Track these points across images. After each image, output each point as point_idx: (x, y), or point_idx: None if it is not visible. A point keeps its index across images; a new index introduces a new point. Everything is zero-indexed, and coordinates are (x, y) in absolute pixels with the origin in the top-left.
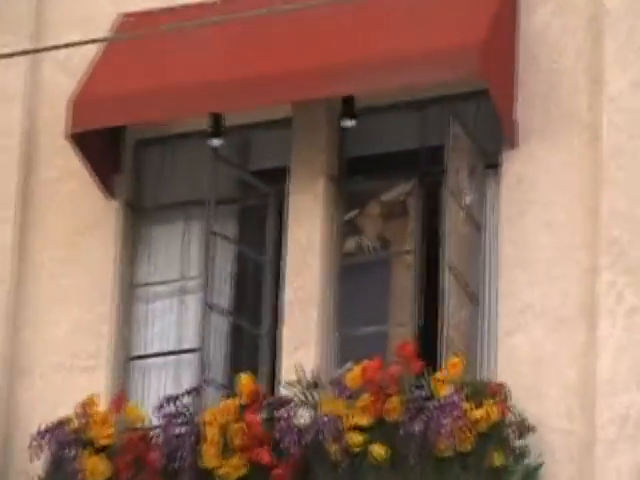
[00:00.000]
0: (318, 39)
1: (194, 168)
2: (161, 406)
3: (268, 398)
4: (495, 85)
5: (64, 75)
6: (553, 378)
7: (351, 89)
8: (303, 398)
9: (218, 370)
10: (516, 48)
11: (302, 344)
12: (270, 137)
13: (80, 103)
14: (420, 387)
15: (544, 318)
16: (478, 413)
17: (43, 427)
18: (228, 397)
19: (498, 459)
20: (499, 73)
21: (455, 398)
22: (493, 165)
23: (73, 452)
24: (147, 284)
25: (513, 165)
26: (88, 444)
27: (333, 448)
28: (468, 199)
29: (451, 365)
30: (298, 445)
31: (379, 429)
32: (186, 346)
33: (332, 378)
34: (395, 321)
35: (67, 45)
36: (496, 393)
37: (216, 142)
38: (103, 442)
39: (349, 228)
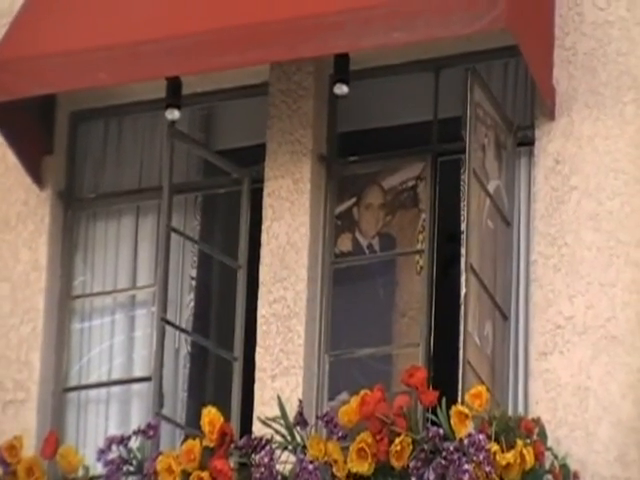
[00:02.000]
0: None
1: (145, 148)
2: (104, 450)
3: (241, 439)
4: (527, 40)
5: None
6: (602, 412)
7: (345, 45)
8: (285, 439)
9: (177, 403)
10: None
11: (283, 370)
12: (242, 108)
13: None
14: (435, 424)
15: (590, 336)
16: (509, 457)
17: None
18: (190, 438)
19: None
20: (532, 25)
21: (479, 437)
22: (526, 142)
23: None
24: (86, 295)
25: (551, 142)
26: None
27: None
28: (494, 185)
29: (474, 395)
30: None
31: (383, 478)
32: (136, 374)
33: (322, 413)
34: (402, 340)
35: None
36: (531, 431)
37: (173, 114)
38: None
39: (343, 222)
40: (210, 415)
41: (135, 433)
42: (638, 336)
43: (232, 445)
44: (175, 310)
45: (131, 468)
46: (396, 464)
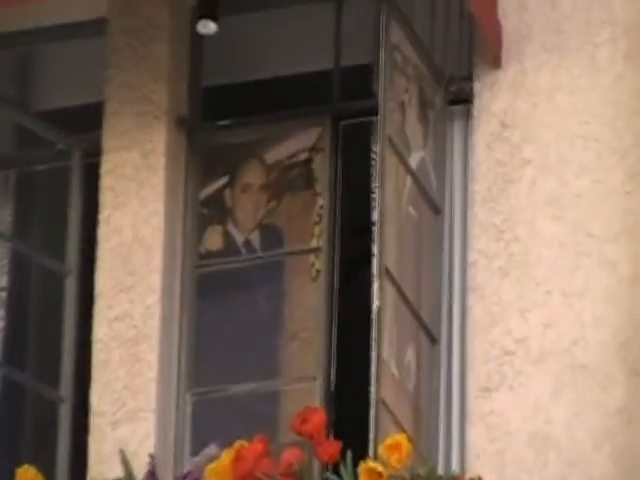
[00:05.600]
0: None
1: None
2: None
3: None
4: None
5: None
6: (567, 468)
7: None
8: None
9: None
10: None
11: (129, 414)
12: (70, 54)
13: None
14: None
15: (549, 364)
16: None
17: None
18: None
19: None
20: None
21: None
22: (461, 99)
23: None
24: None
25: (495, 98)
26: None
27: None
28: (418, 158)
29: (390, 447)
30: None
31: None
32: None
33: (182, 473)
34: (292, 372)
35: None
36: None
37: None
38: None
39: (211, 211)
40: (27, 477)
41: None
42: (615, 364)
43: None
44: None
45: None
46: None
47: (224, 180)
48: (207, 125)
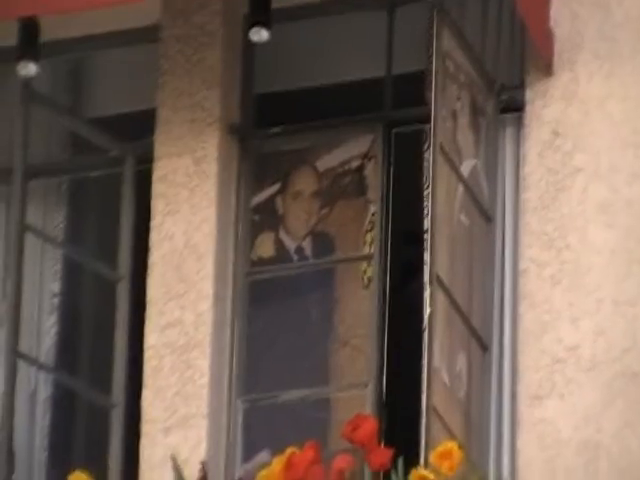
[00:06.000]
0: None
1: None
2: None
3: None
4: None
5: None
6: (618, 477)
7: None
8: None
9: (33, 467)
10: None
11: (181, 421)
12: (123, 61)
13: None
14: None
15: (601, 373)
16: None
17: None
18: None
19: None
20: None
21: None
22: (513, 107)
23: None
24: None
25: (547, 107)
26: None
27: None
28: (469, 166)
29: (442, 455)
30: None
31: None
32: None
33: (233, 479)
34: (343, 379)
35: None
36: None
37: (28, 69)
38: None
39: (263, 218)
40: None
41: None
42: None
43: None
44: (31, 338)
45: None
46: None
47: (276, 187)
48: (259, 132)
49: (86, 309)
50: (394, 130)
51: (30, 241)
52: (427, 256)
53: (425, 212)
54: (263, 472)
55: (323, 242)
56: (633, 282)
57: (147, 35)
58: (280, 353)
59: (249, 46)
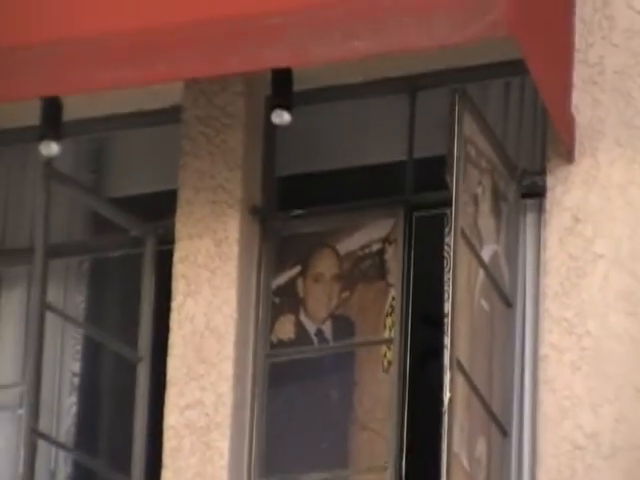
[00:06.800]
0: None
1: (11, 194)
2: None
3: None
4: (537, 53)
5: None
6: None
7: (287, 58)
8: None
9: None
10: None
11: None
12: (144, 141)
13: None
14: None
15: (621, 460)
16: None
17: None
18: None
19: None
20: (543, 32)
21: None
22: (534, 193)
23: None
24: None
25: (568, 192)
26: None
27: None
28: (490, 251)
29: None
30: None
31: None
32: None
33: None
34: (363, 462)
35: None
36: None
37: (50, 149)
38: None
39: (283, 300)
40: None
41: None
42: None
43: None
44: (51, 418)
45: None
46: None
47: (297, 269)
48: (280, 214)
49: (106, 389)
50: (415, 214)
51: (50, 321)
52: (447, 340)
53: (446, 296)
54: None
55: (343, 325)
56: None
57: (169, 116)
58: (299, 435)
59: (271, 128)
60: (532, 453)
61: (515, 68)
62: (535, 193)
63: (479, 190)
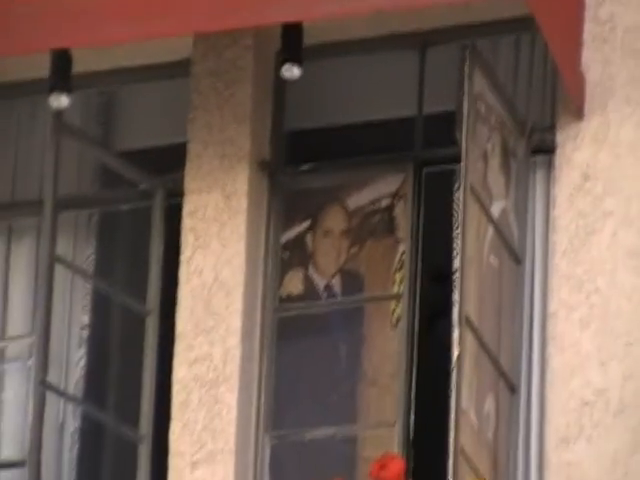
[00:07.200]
0: None
1: (20, 146)
2: None
3: None
4: (546, 10)
5: None
6: None
7: (296, 13)
8: None
9: None
10: None
11: (208, 456)
12: (154, 95)
13: None
14: None
15: (629, 417)
16: None
17: None
18: None
19: None
20: None
21: None
22: (544, 149)
23: None
24: None
25: (578, 150)
26: None
27: None
28: (499, 208)
29: None
30: None
31: None
32: (3, 456)
33: None
34: (371, 418)
35: None
36: None
37: (60, 101)
38: None
39: (292, 254)
40: None
41: None
42: None
43: None
44: (60, 370)
45: None
46: None
47: (306, 224)
48: (289, 169)
49: (115, 342)
50: (425, 169)
51: (60, 273)
52: (456, 296)
53: (455, 252)
54: None
55: (352, 280)
56: None
57: (179, 69)
58: (308, 390)
59: (280, 83)
60: (540, 409)
61: (525, 24)
62: (545, 149)
63: (489, 146)
